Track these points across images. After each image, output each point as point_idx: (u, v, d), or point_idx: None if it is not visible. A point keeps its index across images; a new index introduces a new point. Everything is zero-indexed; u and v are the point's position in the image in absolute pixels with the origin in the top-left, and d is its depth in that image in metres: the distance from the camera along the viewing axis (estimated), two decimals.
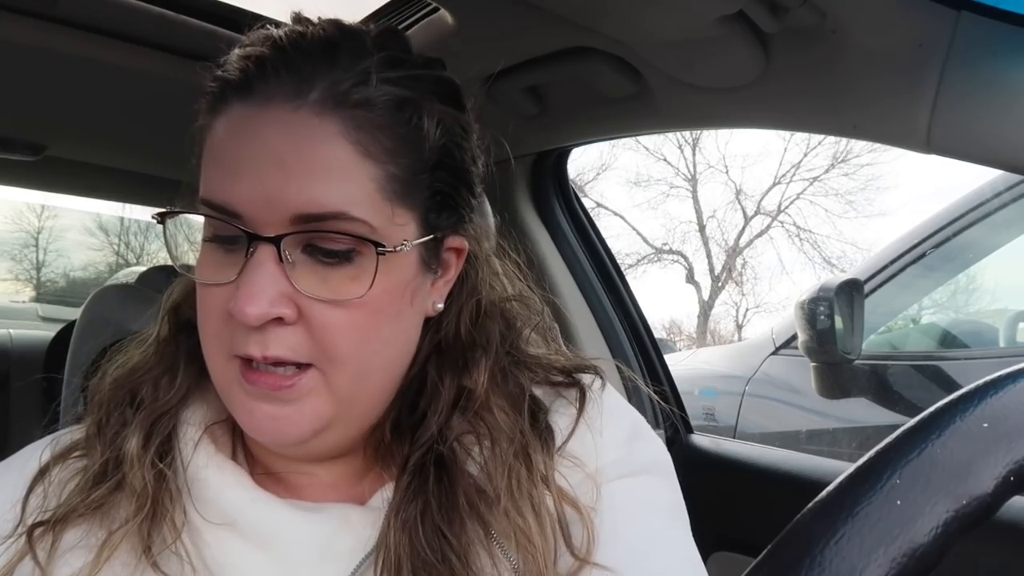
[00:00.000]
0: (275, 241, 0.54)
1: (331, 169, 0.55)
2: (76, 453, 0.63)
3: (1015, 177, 2.05)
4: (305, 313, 0.55)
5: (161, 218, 0.59)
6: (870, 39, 0.81)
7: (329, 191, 0.54)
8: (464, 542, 0.58)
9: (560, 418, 0.65)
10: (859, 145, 11.88)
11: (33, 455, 0.64)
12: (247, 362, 0.56)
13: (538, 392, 0.67)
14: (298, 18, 0.62)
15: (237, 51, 0.59)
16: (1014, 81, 0.73)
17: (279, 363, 0.56)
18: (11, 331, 1.94)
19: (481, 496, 0.60)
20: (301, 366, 0.56)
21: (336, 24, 0.60)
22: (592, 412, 0.65)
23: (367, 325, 0.57)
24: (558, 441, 0.63)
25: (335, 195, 0.54)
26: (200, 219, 0.59)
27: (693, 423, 1.57)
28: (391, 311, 0.59)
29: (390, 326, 0.59)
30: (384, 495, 0.62)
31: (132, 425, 0.61)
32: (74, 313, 1.36)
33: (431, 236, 0.60)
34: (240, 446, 0.65)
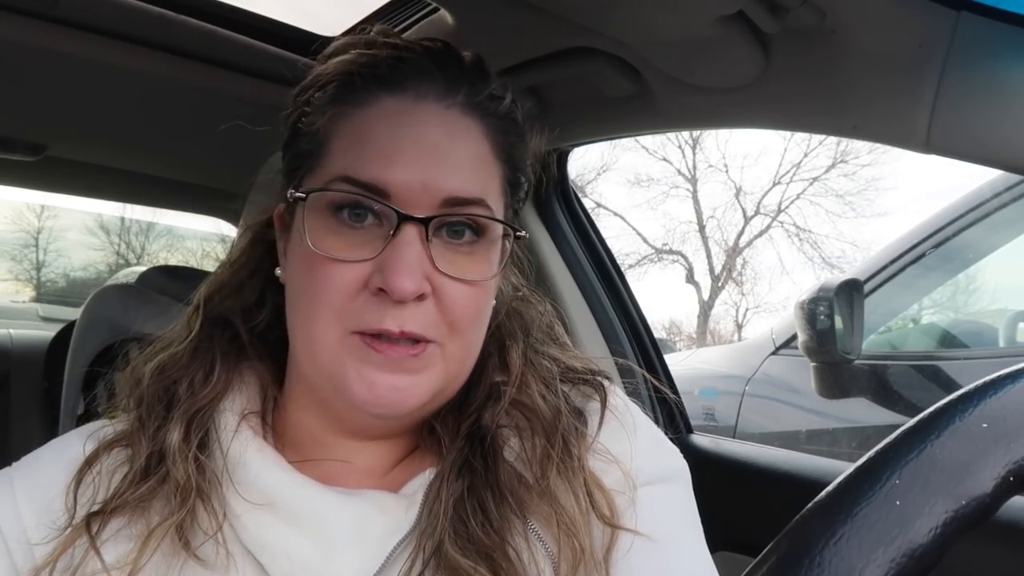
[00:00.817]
0: (425, 222, 0.59)
1: (476, 161, 0.63)
2: (120, 444, 0.65)
3: (1015, 177, 2.05)
4: (438, 291, 0.60)
5: (306, 195, 0.62)
6: (870, 39, 0.81)
7: (475, 180, 0.62)
8: (504, 524, 0.61)
9: (586, 406, 0.70)
10: (859, 145, 11.88)
11: (69, 445, 0.66)
12: (373, 336, 0.59)
13: (551, 380, 0.71)
14: (387, 33, 0.69)
15: (365, 50, 0.65)
16: (1014, 81, 0.73)
17: (411, 338, 0.59)
18: (11, 331, 1.94)
19: (520, 481, 0.64)
20: (422, 343, 0.60)
21: (450, 44, 0.68)
22: (620, 408, 0.70)
23: (484, 303, 0.64)
24: (590, 429, 0.67)
25: (479, 184, 0.62)
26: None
27: (693, 423, 1.57)
28: (494, 292, 0.66)
29: (490, 306, 0.66)
30: (421, 481, 0.64)
31: (172, 420, 0.63)
32: (74, 313, 1.37)
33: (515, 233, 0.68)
34: (270, 436, 0.68)
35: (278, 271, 0.68)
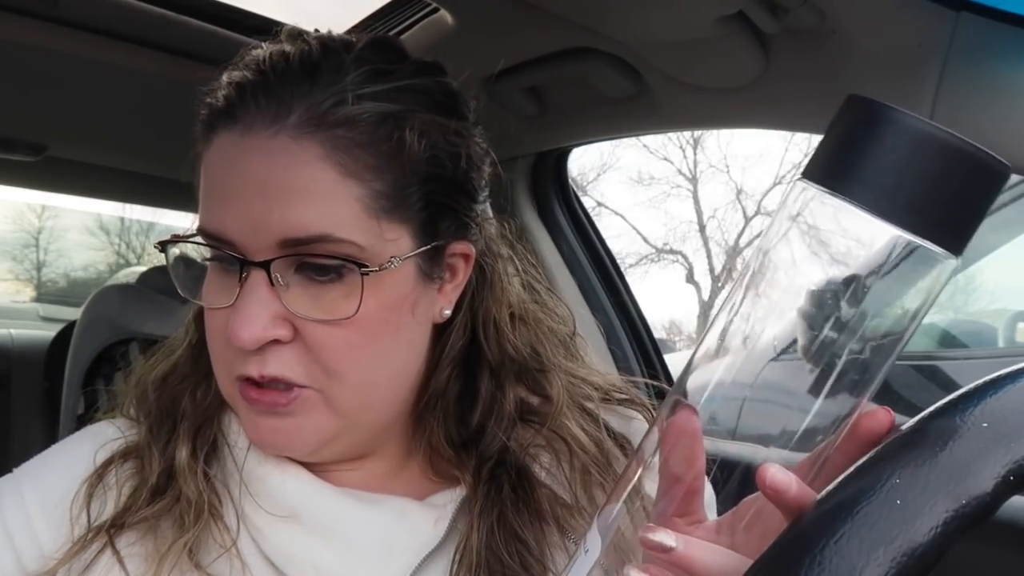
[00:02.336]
0: (264, 266, 0.55)
1: (312, 192, 0.55)
2: (132, 456, 0.63)
3: (1015, 177, 2.05)
4: (301, 332, 0.56)
5: (162, 247, 0.60)
6: (870, 40, 0.81)
7: (311, 214, 0.55)
8: (542, 547, 0.60)
9: (628, 428, 0.68)
10: None
11: (78, 449, 0.65)
12: (248, 381, 0.57)
13: (590, 406, 0.69)
14: (291, 33, 0.63)
15: (224, 77, 0.60)
16: (1014, 82, 0.73)
17: (277, 381, 0.57)
18: (12, 331, 1.94)
19: (559, 502, 0.62)
20: (294, 388, 0.57)
21: (321, 41, 0.60)
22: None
23: (362, 342, 0.57)
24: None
25: (318, 218, 0.55)
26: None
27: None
28: (388, 326, 0.59)
29: (388, 340, 0.59)
30: (452, 496, 0.63)
31: (180, 435, 0.62)
32: (75, 313, 1.37)
33: (431, 245, 0.60)
34: None
35: None
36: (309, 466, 0.63)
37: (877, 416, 0.38)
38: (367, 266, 0.56)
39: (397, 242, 0.58)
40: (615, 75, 1.08)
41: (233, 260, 0.56)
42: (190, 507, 0.59)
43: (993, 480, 0.30)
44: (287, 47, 0.60)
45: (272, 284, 0.55)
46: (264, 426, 0.58)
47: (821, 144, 0.36)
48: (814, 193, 0.36)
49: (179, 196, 2.07)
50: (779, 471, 0.36)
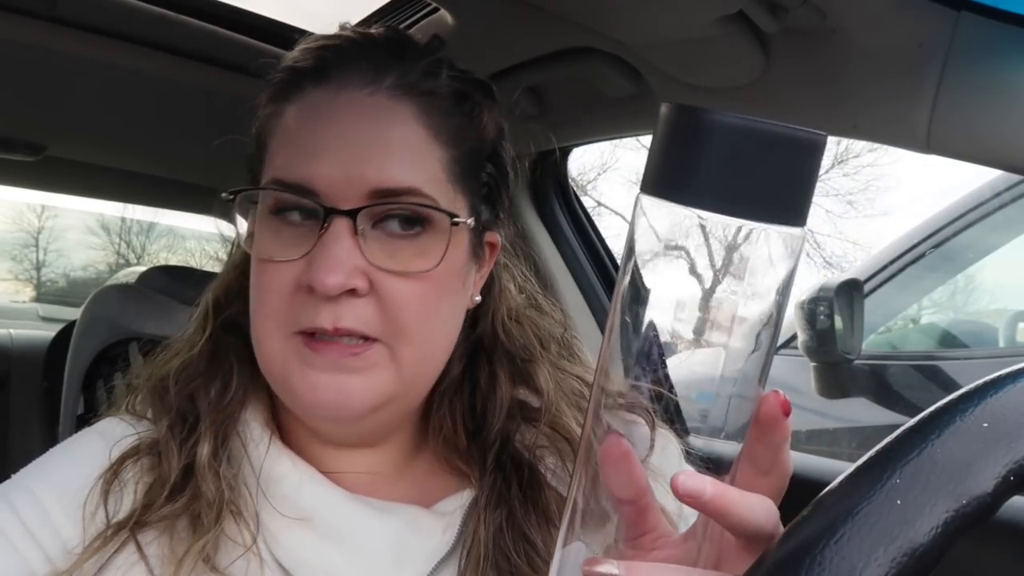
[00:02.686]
0: (351, 214, 0.57)
1: (405, 148, 0.59)
2: (148, 453, 0.63)
3: (1015, 177, 2.05)
4: (376, 286, 0.57)
5: (233, 196, 0.62)
6: (870, 39, 0.81)
7: (404, 168, 0.59)
8: (549, 548, 0.60)
9: (630, 432, 0.66)
10: (859, 145, 11.88)
11: (86, 444, 0.64)
12: (310, 335, 0.58)
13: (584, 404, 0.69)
14: (345, 26, 0.67)
15: (308, 44, 0.63)
16: (1014, 81, 0.73)
17: (348, 334, 0.57)
18: (11, 331, 1.94)
19: (563, 499, 0.62)
20: (367, 339, 0.58)
21: (395, 29, 0.66)
22: (668, 436, 0.67)
23: (432, 299, 0.60)
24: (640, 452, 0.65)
25: (409, 172, 0.59)
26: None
27: (690, 424, 1.56)
28: (452, 288, 0.62)
29: (449, 304, 0.62)
30: (458, 502, 0.63)
31: (201, 433, 0.62)
32: (74, 313, 1.37)
33: (481, 223, 0.64)
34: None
35: None
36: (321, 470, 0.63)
37: (770, 399, 0.38)
38: (457, 216, 0.60)
39: (461, 212, 0.62)
40: (615, 75, 1.08)
41: (314, 209, 0.57)
42: (210, 507, 0.58)
43: (993, 480, 0.30)
44: (364, 29, 0.64)
45: (355, 233, 0.57)
46: (323, 383, 0.57)
47: (655, 157, 0.37)
48: (659, 204, 0.36)
49: (179, 196, 2.08)
50: (689, 477, 0.36)
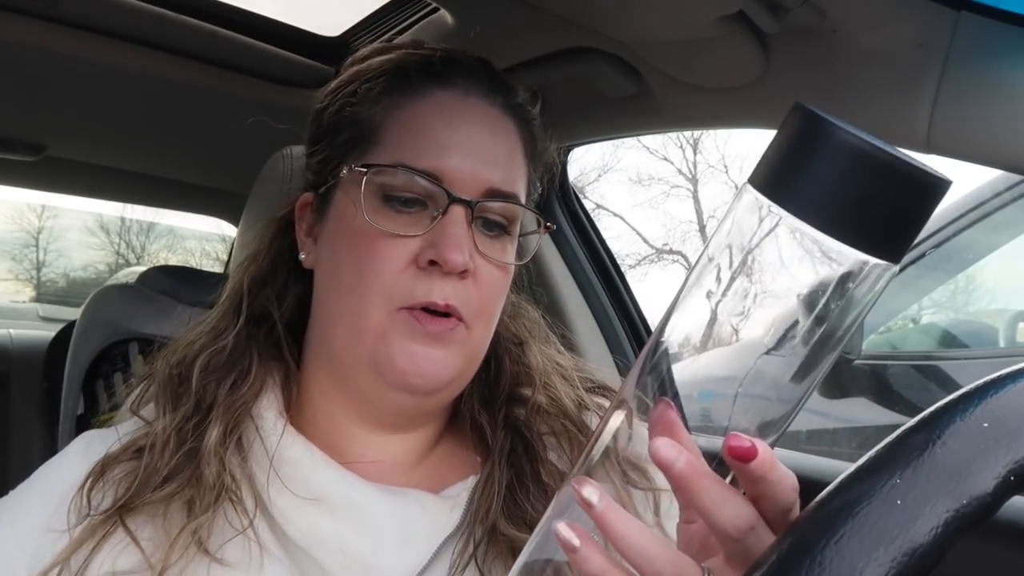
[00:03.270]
0: (471, 204, 0.64)
1: (511, 160, 0.69)
2: (128, 455, 0.65)
3: (1015, 177, 2.05)
4: (477, 271, 0.65)
5: (366, 169, 0.65)
6: (870, 39, 0.81)
7: (511, 175, 0.68)
8: None
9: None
10: None
11: (63, 464, 0.66)
12: (417, 312, 0.63)
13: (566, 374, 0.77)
14: (420, 43, 0.74)
15: (415, 48, 0.71)
16: (1014, 81, 0.73)
17: (453, 311, 0.63)
18: (11, 331, 1.94)
19: (562, 477, 0.67)
20: (455, 320, 0.64)
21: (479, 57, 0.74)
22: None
23: (505, 289, 0.69)
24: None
25: (513, 180, 0.68)
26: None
27: (691, 424, 1.56)
28: (510, 281, 0.70)
29: (506, 295, 0.71)
30: (464, 486, 0.67)
31: (212, 420, 0.65)
32: (74, 313, 1.36)
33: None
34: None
35: (302, 256, 0.70)
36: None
37: (728, 442, 0.39)
38: (551, 224, 0.72)
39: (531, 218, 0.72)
40: (615, 75, 1.08)
41: (438, 195, 0.64)
42: (211, 490, 0.60)
43: (994, 480, 0.30)
44: (466, 54, 0.72)
45: (471, 222, 0.64)
46: (421, 354, 0.63)
47: (774, 157, 0.37)
48: (775, 211, 0.36)
49: (179, 196, 2.08)
50: (668, 446, 0.37)
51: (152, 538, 0.60)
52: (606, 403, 0.75)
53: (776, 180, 0.36)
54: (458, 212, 0.64)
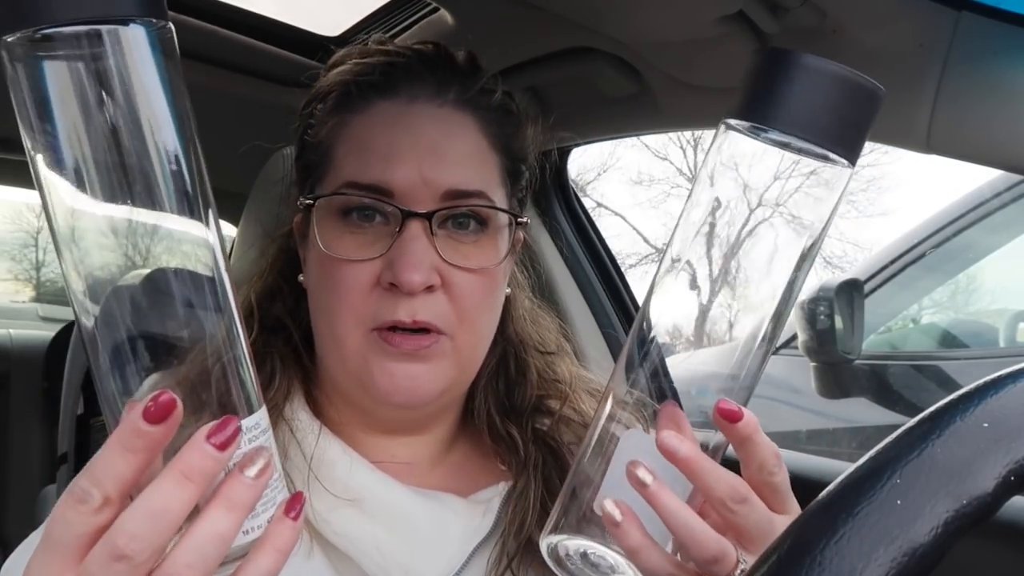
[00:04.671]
0: (428, 216, 0.62)
1: (472, 155, 0.66)
2: None
3: (1015, 177, 2.05)
4: (447, 281, 0.63)
5: (313, 201, 0.66)
6: (870, 39, 0.81)
7: (472, 173, 0.65)
8: None
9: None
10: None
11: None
12: (387, 333, 0.62)
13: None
14: (382, 40, 0.71)
15: (363, 58, 0.68)
16: (1014, 81, 0.73)
17: (422, 328, 0.62)
18: (11, 331, 1.94)
19: None
20: (434, 335, 0.63)
21: (438, 45, 0.71)
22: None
23: (490, 292, 0.67)
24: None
25: (477, 176, 0.65)
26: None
27: (691, 421, 1.56)
28: (501, 282, 0.69)
29: (499, 296, 0.69)
30: (495, 492, 0.68)
31: None
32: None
33: (516, 224, 0.71)
34: None
35: (301, 278, 0.71)
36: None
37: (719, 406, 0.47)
38: (522, 218, 0.68)
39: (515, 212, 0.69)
40: (616, 75, 1.08)
41: (392, 211, 0.62)
42: None
43: (994, 480, 0.30)
44: (417, 45, 0.69)
45: (431, 234, 0.62)
46: (401, 373, 0.63)
47: (748, 90, 0.46)
48: (745, 130, 0.45)
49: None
50: (670, 435, 0.44)
51: None
52: (627, 414, 0.75)
53: (753, 107, 0.44)
54: (414, 227, 0.62)
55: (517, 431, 0.70)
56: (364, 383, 0.64)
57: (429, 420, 0.70)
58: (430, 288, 0.62)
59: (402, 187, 0.62)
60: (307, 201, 0.66)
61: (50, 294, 7.25)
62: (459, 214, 0.64)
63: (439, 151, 0.64)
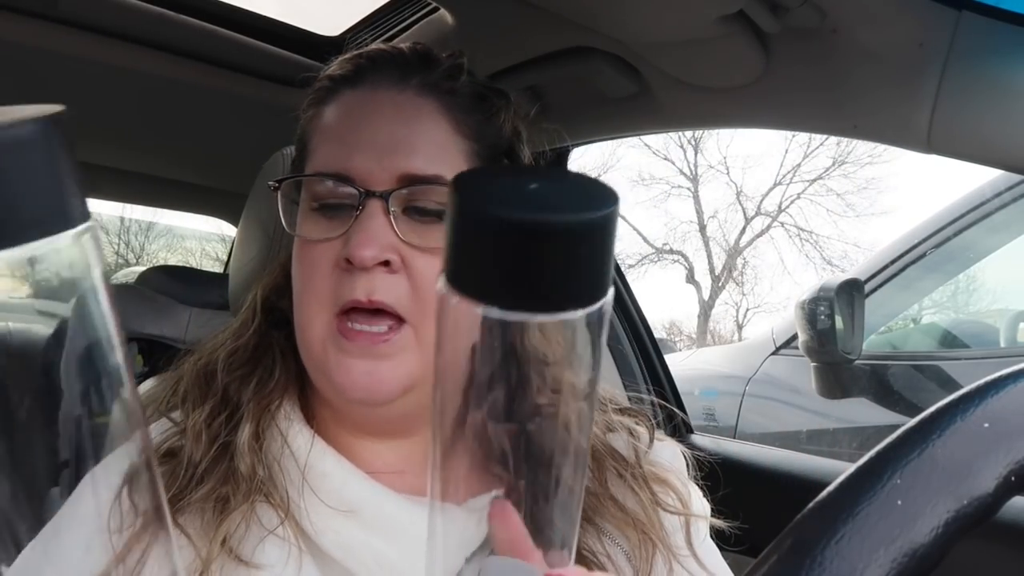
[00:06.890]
0: (384, 196, 0.62)
1: (431, 140, 0.65)
2: (166, 451, 0.65)
3: (1015, 177, 2.05)
4: (407, 263, 0.62)
5: (278, 184, 0.68)
6: (870, 39, 0.81)
7: (430, 157, 0.64)
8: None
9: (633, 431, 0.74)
10: (860, 146, 11.87)
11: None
12: (344, 324, 0.62)
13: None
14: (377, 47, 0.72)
15: (344, 57, 0.70)
16: (1014, 81, 0.73)
17: (380, 310, 0.61)
18: (10, 324, 1.94)
19: (587, 495, 0.66)
20: (394, 324, 0.62)
21: (422, 44, 0.72)
22: (669, 442, 0.76)
23: None
24: (642, 442, 0.72)
25: (435, 161, 0.64)
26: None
27: (693, 423, 1.57)
28: None
29: None
30: (487, 499, 0.65)
31: (243, 417, 0.65)
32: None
33: None
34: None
35: None
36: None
37: None
38: None
39: None
40: (615, 74, 1.08)
41: (348, 196, 0.63)
42: (246, 483, 0.61)
43: (994, 480, 0.30)
44: (399, 45, 0.70)
45: (388, 212, 0.62)
46: (358, 368, 0.61)
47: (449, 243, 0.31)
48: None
49: (179, 196, 2.08)
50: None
51: (194, 534, 0.60)
52: (632, 423, 0.74)
53: (459, 272, 0.30)
54: (372, 206, 0.62)
55: (509, 437, 0.71)
56: (324, 376, 0.64)
57: (409, 422, 0.68)
58: (389, 267, 0.61)
59: (360, 172, 0.63)
60: (272, 184, 0.68)
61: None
62: (420, 204, 0.63)
63: (397, 136, 0.64)
